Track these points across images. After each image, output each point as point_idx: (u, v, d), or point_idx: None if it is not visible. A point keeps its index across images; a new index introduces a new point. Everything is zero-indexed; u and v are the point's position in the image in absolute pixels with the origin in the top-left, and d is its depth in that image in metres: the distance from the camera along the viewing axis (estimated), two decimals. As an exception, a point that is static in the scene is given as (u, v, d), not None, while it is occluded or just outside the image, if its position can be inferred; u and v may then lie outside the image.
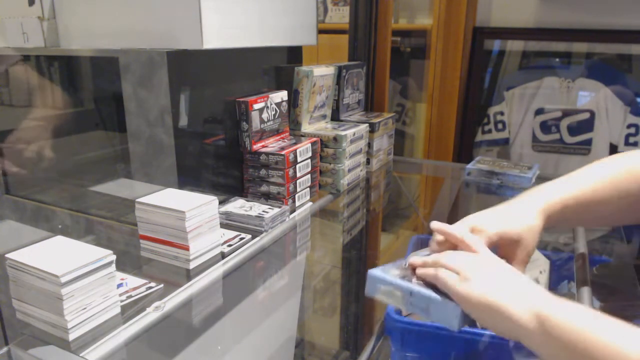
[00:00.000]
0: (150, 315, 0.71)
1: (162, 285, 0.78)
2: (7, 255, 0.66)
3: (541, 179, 1.39)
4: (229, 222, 1.00)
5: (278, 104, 1.15)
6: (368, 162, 1.42)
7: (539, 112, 2.00)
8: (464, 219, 0.66)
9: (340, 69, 1.38)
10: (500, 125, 2.07)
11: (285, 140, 1.18)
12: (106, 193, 1.10)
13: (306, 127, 1.28)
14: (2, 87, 1.19)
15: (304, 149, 1.12)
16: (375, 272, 0.62)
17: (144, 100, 0.95)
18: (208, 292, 0.81)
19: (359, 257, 1.12)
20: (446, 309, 0.55)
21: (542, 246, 0.90)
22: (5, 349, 0.63)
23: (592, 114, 1.91)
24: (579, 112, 1.93)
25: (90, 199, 1.12)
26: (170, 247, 0.84)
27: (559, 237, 1.04)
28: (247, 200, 1.08)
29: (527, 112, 2.02)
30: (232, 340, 0.78)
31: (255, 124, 1.08)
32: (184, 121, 0.97)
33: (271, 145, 1.13)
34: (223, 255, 0.89)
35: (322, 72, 1.28)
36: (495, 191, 1.33)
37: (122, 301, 0.72)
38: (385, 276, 0.61)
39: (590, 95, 1.92)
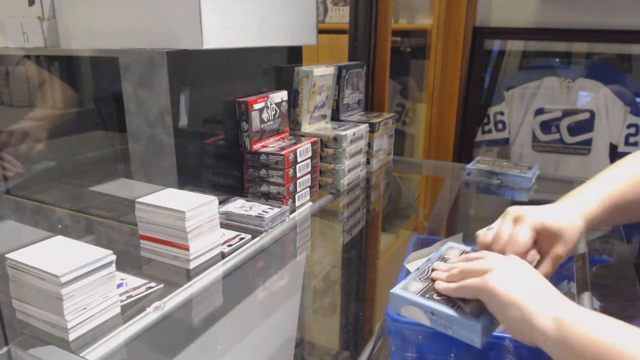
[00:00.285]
0: (150, 315, 0.71)
1: (162, 285, 0.78)
2: (7, 255, 0.66)
3: (541, 179, 1.39)
4: (229, 222, 1.00)
5: (278, 104, 1.15)
6: (368, 162, 1.42)
7: (539, 112, 2.00)
8: (509, 210, 0.67)
9: (340, 69, 1.38)
10: (500, 125, 2.07)
11: (285, 140, 1.18)
12: (106, 193, 1.10)
13: (306, 127, 1.28)
14: (2, 87, 1.19)
15: (304, 149, 1.12)
16: (397, 291, 0.64)
17: (144, 100, 0.95)
18: (208, 292, 0.81)
19: (359, 257, 1.12)
20: (468, 326, 0.57)
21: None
22: (5, 349, 0.63)
23: (592, 114, 1.91)
24: (579, 112, 1.93)
25: (90, 199, 1.12)
26: (170, 247, 0.84)
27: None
28: (247, 200, 1.08)
29: (527, 112, 2.02)
30: (232, 340, 0.78)
31: (255, 124, 1.08)
32: (184, 121, 0.97)
33: (271, 145, 1.13)
34: (223, 255, 0.89)
35: (322, 72, 1.28)
36: (495, 191, 1.33)
37: (122, 301, 0.72)
38: (407, 295, 0.62)
39: (590, 95, 1.92)
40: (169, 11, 0.91)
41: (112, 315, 0.69)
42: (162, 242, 0.85)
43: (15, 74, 1.18)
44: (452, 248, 0.75)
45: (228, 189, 1.11)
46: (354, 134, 1.27)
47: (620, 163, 0.72)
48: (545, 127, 1.99)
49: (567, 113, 1.95)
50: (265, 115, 1.11)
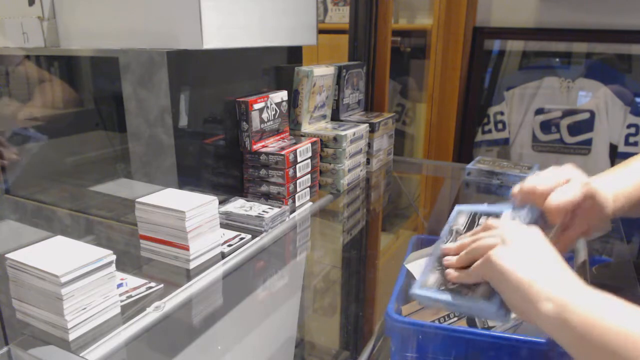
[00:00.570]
0: (150, 315, 0.71)
1: (162, 285, 0.78)
2: (7, 255, 0.66)
3: (541, 179, 1.39)
4: (229, 222, 1.00)
5: (278, 104, 1.15)
6: (368, 162, 1.42)
7: (539, 112, 2.00)
8: (564, 167, 0.64)
9: (340, 69, 1.38)
10: (500, 125, 2.07)
11: (285, 140, 1.18)
12: (106, 193, 1.10)
13: (306, 127, 1.28)
14: (2, 87, 1.19)
15: (304, 149, 1.12)
16: (415, 290, 0.62)
17: (144, 100, 0.95)
18: (208, 292, 0.81)
19: (359, 257, 1.12)
20: (486, 309, 0.55)
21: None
22: (5, 349, 0.63)
23: (592, 114, 1.91)
24: (579, 112, 1.93)
25: (90, 199, 1.12)
26: (170, 247, 0.84)
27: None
28: (247, 200, 1.08)
29: (527, 112, 2.02)
30: (232, 340, 0.78)
31: (255, 124, 1.08)
32: (184, 121, 0.97)
33: (271, 145, 1.13)
34: (223, 255, 0.89)
35: (322, 72, 1.28)
36: (495, 191, 1.33)
37: (122, 301, 0.72)
38: (425, 293, 0.61)
39: (590, 95, 1.92)
40: (169, 11, 0.91)
41: (112, 315, 0.69)
42: (162, 242, 0.85)
43: (15, 73, 1.18)
44: (461, 213, 0.71)
45: (228, 189, 1.11)
46: (354, 134, 1.27)
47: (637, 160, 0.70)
48: (545, 127, 1.99)
49: (567, 113, 1.95)
50: (265, 115, 1.11)
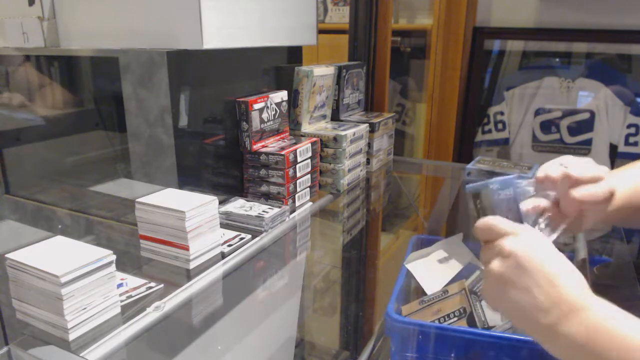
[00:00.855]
0: (150, 315, 0.71)
1: (162, 285, 0.78)
2: (7, 255, 0.66)
3: (541, 179, 1.39)
4: (229, 222, 1.00)
5: (278, 104, 1.15)
6: (368, 162, 1.42)
7: (539, 112, 2.00)
8: (599, 166, 0.61)
9: (340, 69, 1.38)
10: (500, 125, 2.07)
11: (285, 140, 1.18)
12: (106, 193, 1.10)
13: (306, 127, 1.28)
14: (2, 87, 1.19)
15: (304, 149, 1.12)
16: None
17: (144, 100, 0.95)
18: (208, 292, 0.81)
19: (359, 257, 1.12)
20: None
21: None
22: (5, 349, 0.63)
23: (592, 114, 1.91)
24: (579, 112, 1.93)
25: (90, 199, 1.12)
26: (170, 247, 0.84)
27: (559, 237, 1.04)
28: (247, 200, 1.08)
29: (527, 112, 2.02)
30: (232, 340, 0.78)
31: (255, 124, 1.08)
32: (184, 121, 0.97)
33: (271, 145, 1.13)
34: (223, 255, 0.89)
35: (322, 72, 1.28)
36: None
37: (122, 301, 0.72)
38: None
39: (590, 95, 1.92)
40: (169, 11, 0.91)
41: (112, 315, 0.69)
42: (162, 242, 0.85)
43: (15, 73, 1.18)
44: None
45: (228, 189, 1.11)
46: (354, 134, 1.27)
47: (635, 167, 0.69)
48: (545, 127, 1.99)
49: (567, 113, 1.95)
50: (265, 115, 1.11)
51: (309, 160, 1.15)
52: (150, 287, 0.77)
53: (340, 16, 2.27)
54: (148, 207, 0.84)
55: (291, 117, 1.26)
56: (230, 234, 0.95)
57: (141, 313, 0.71)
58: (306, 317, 0.91)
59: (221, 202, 1.04)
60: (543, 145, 2.01)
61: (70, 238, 0.72)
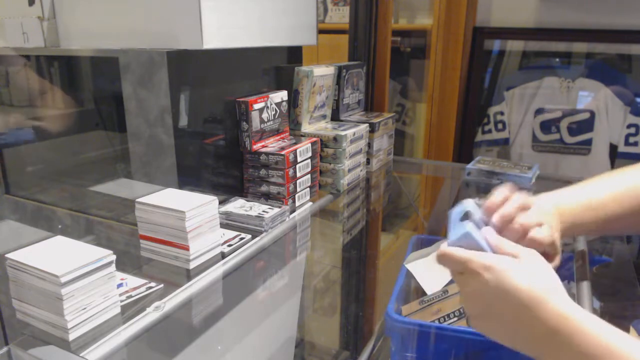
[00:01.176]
0: (150, 315, 0.71)
1: (162, 285, 0.78)
2: (7, 255, 0.66)
3: (541, 179, 1.39)
4: (229, 222, 1.00)
5: (278, 104, 1.15)
6: (368, 162, 1.42)
7: (539, 112, 2.00)
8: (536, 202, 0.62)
9: (340, 69, 1.38)
10: (500, 125, 2.07)
11: (285, 140, 1.18)
12: (106, 193, 1.10)
13: (306, 127, 1.28)
14: (2, 87, 1.19)
15: (304, 149, 1.12)
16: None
17: (144, 100, 0.95)
18: (208, 292, 0.81)
19: (359, 257, 1.12)
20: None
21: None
22: (5, 349, 0.63)
23: (592, 114, 1.91)
24: (579, 112, 1.93)
25: (90, 199, 1.12)
26: (170, 247, 0.84)
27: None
28: (247, 200, 1.08)
29: (527, 112, 2.02)
30: (232, 340, 0.78)
31: (255, 124, 1.08)
32: (184, 121, 0.97)
33: (271, 145, 1.13)
34: (223, 255, 0.89)
35: (322, 72, 1.28)
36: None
37: (122, 301, 0.72)
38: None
39: (590, 95, 1.92)
40: (169, 11, 0.91)
41: (112, 315, 0.69)
42: (162, 242, 0.85)
43: (15, 73, 1.18)
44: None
45: (228, 189, 1.11)
46: (354, 134, 1.27)
47: (603, 178, 0.70)
48: (545, 127, 1.99)
49: (567, 113, 1.95)
50: (265, 115, 1.11)
51: (309, 160, 1.15)
52: (150, 287, 0.77)
53: (340, 16, 2.27)
54: (148, 207, 0.84)
55: (291, 117, 1.26)
56: (230, 234, 0.95)
57: (141, 313, 0.71)
58: (306, 317, 0.91)
59: (221, 202, 1.04)
60: (543, 145, 2.01)
61: (70, 238, 0.72)
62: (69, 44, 1.04)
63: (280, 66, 1.25)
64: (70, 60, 1.11)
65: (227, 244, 0.91)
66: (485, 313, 0.51)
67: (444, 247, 0.54)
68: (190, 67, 0.98)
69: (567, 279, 0.86)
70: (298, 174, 1.11)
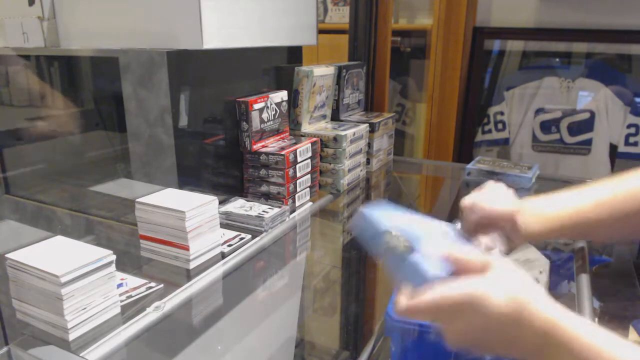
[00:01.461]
0: (150, 315, 0.71)
1: (162, 285, 0.78)
2: (7, 255, 0.66)
3: (541, 179, 1.39)
4: (229, 222, 1.00)
5: (278, 104, 1.15)
6: (368, 162, 1.42)
7: (539, 112, 2.00)
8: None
9: (340, 69, 1.38)
10: (500, 125, 2.07)
11: (285, 140, 1.18)
12: (106, 193, 1.10)
13: (306, 127, 1.28)
14: (2, 87, 1.19)
15: (304, 149, 1.12)
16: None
17: (144, 100, 0.95)
18: (208, 292, 0.81)
19: (359, 257, 1.12)
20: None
21: (542, 246, 0.89)
22: (5, 349, 0.63)
23: (592, 114, 1.91)
24: (579, 112, 1.93)
25: (90, 199, 1.12)
26: (170, 247, 0.84)
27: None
28: (247, 200, 1.08)
29: (527, 112, 2.02)
30: (232, 340, 0.78)
31: (255, 124, 1.08)
32: (184, 121, 0.97)
33: (271, 145, 1.13)
34: (223, 255, 0.89)
35: (322, 72, 1.28)
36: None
37: (122, 301, 0.72)
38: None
39: (590, 95, 1.92)
40: (169, 11, 0.91)
41: (112, 315, 0.69)
42: (162, 242, 0.85)
43: (15, 73, 1.18)
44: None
45: (228, 189, 1.11)
46: (354, 134, 1.27)
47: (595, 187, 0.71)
48: (545, 127, 1.99)
49: (567, 113, 1.95)
50: (265, 115, 1.11)
51: (309, 160, 1.15)
52: (150, 287, 0.77)
53: (340, 16, 2.27)
54: (148, 207, 0.84)
55: (291, 117, 1.26)
56: (230, 234, 0.95)
57: (141, 313, 0.71)
58: (306, 317, 0.90)
59: (221, 202, 1.04)
60: (543, 145, 2.01)
61: (70, 238, 0.72)
62: (69, 44, 1.04)
63: (280, 66, 1.25)
64: (70, 60, 1.11)
65: (227, 244, 0.91)
66: (472, 343, 0.49)
67: (402, 303, 0.49)
68: (190, 67, 0.98)
69: (567, 279, 0.86)
70: (298, 174, 1.11)
